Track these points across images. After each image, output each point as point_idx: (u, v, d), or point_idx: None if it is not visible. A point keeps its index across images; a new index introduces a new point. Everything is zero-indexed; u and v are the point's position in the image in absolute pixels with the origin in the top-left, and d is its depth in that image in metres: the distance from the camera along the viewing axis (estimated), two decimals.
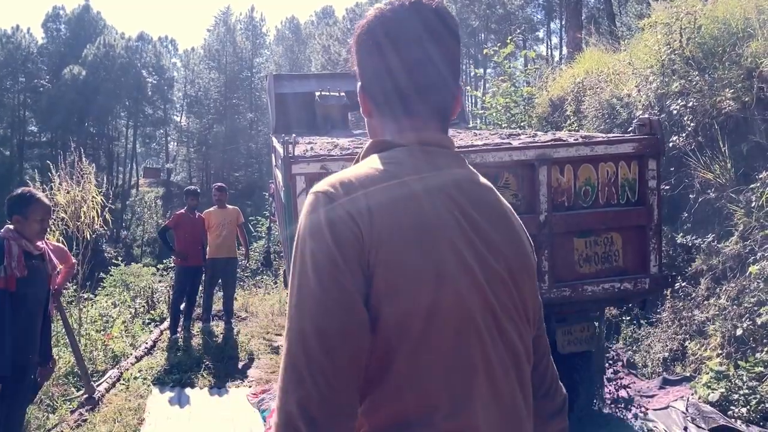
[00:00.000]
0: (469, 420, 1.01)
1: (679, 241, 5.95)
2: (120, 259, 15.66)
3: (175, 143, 59.77)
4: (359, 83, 1.22)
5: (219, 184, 9.08)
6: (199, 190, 8.77)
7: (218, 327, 8.40)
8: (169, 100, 57.88)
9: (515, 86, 11.33)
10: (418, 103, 1.16)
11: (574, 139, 4.44)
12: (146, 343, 7.75)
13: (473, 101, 20.49)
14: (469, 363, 1.02)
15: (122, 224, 44.70)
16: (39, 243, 3.90)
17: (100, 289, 11.47)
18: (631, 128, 6.18)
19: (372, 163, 1.12)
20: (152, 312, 10.02)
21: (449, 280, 1.01)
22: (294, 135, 4.78)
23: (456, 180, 1.13)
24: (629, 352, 6.04)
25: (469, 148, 4.14)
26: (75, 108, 48.01)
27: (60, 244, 5.76)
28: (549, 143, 4.18)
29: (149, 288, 11.27)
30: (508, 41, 11.72)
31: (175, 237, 8.15)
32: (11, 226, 3.77)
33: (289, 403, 0.94)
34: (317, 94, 7.86)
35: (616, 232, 4.21)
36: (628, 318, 6.41)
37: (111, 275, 12.51)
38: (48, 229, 3.94)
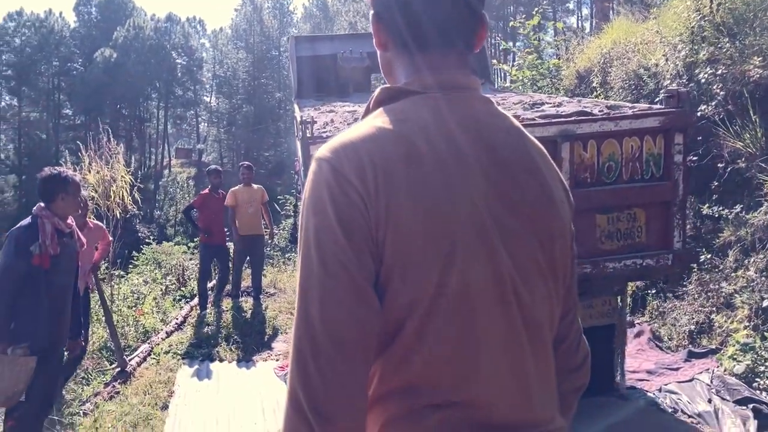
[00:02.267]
0: (476, 395, 0.97)
1: (705, 213, 5.84)
2: (153, 238, 16.01)
3: (206, 124, 60.38)
4: (372, 11, 1.11)
5: (246, 162, 9.19)
6: (220, 169, 8.90)
7: (247, 303, 8.56)
8: (198, 81, 58.38)
9: (541, 59, 11.14)
10: (436, 33, 1.05)
11: (599, 110, 4.37)
12: (176, 319, 7.94)
13: (501, 75, 20.21)
14: (478, 338, 0.97)
15: (155, 204, 45.52)
16: (69, 221, 4.01)
17: (132, 267, 11.75)
18: (658, 99, 6.05)
19: (378, 120, 1.01)
20: (183, 289, 10.24)
21: (463, 255, 0.94)
22: (312, 116, 4.80)
23: (477, 131, 1.02)
24: (654, 324, 5.99)
25: None
26: (107, 90, 48.75)
27: (99, 223, 5.95)
28: (572, 119, 4.11)
29: (180, 266, 11.50)
30: (534, 13, 11.52)
31: (199, 216, 8.29)
32: (42, 204, 3.88)
33: (296, 393, 0.91)
34: (339, 56, 7.76)
35: (639, 207, 4.14)
36: (654, 291, 6.34)
37: (143, 253, 12.78)
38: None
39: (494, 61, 11.34)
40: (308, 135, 3.94)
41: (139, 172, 8.39)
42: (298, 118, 5.17)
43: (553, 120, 4.13)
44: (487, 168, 0.99)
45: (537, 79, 10.63)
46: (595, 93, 8.75)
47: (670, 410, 4.45)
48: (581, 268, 3.92)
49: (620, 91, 8.07)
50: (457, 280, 0.94)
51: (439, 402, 0.96)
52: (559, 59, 12.01)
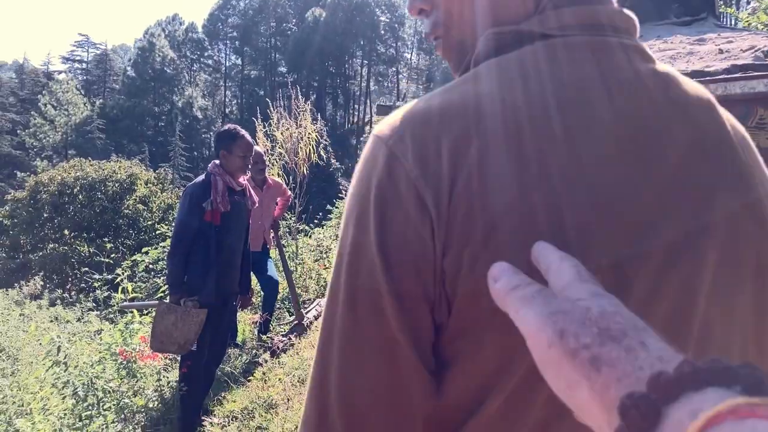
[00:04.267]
0: None
1: None
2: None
3: (406, 81, 61.68)
4: None
5: None
6: None
7: None
8: (400, 38, 59.56)
9: None
10: None
11: None
12: None
13: (729, 20, 17.62)
14: None
15: (357, 159, 47.98)
16: (241, 179, 4.08)
17: (323, 221, 12.24)
18: None
19: (476, 83, 0.61)
20: None
21: None
22: None
23: (631, 99, 0.59)
24: None
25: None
26: (317, 49, 51.87)
27: (279, 179, 6.15)
28: None
29: None
30: None
31: None
32: (218, 162, 3.98)
33: None
34: None
35: None
36: None
37: (336, 207, 13.29)
38: (249, 165, 4.10)
39: (720, 3, 9.76)
40: None
41: (325, 130, 8.52)
42: None
43: None
44: (656, 168, 0.57)
45: None
46: None
47: None
48: None
49: None
50: None
51: None
52: None
